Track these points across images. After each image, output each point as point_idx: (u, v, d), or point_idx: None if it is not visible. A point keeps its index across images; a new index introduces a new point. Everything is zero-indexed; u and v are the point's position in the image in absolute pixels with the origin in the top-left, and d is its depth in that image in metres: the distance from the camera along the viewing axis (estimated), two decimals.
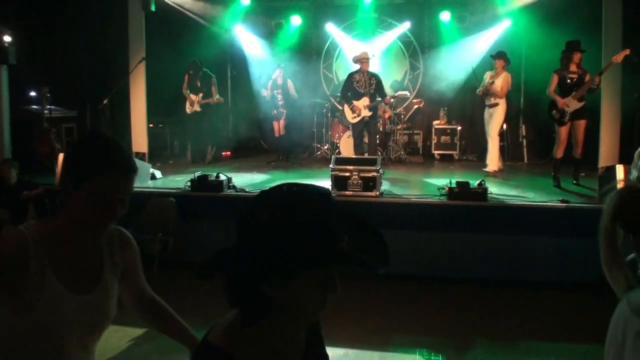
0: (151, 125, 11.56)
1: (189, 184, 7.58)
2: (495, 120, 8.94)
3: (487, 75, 9.03)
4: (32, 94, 10.49)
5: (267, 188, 1.34)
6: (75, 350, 1.76)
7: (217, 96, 10.35)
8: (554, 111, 7.86)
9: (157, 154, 11.32)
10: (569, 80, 7.83)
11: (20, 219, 7.28)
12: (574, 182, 8.02)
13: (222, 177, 7.51)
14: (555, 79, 7.94)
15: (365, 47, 9.76)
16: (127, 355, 4.69)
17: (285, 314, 1.31)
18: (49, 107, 10.06)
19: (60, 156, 8.16)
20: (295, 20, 12.00)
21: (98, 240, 1.85)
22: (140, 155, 10.26)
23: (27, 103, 10.43)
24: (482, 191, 6.66)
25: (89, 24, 11.11)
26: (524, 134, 11.14)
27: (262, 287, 1.26)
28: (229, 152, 12.18)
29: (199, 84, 10.37)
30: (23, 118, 9.88)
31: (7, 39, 8.87)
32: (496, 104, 8.91)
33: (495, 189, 7.30)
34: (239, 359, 1.29)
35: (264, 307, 1.28)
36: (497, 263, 6.34)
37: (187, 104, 10.43)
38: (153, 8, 10.14)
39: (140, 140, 10.42)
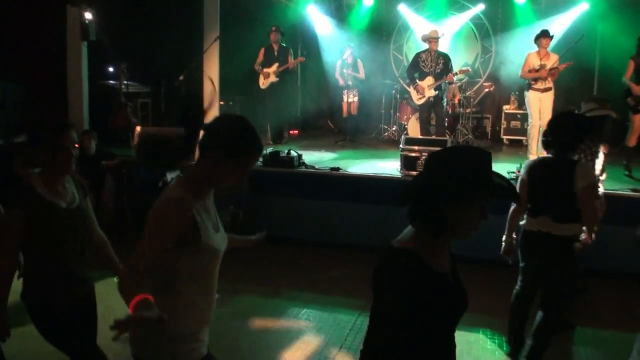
0: (222, 102, 11.85)
1: (261, 159, 7.77)
2: (549, 105, 8.43)
3: (534, 56, 8.53)
4: (110, 69, 10.87)
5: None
6: (216, 275, 2.45)
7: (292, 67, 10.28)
8: (629, 98, 7.64)
9: None
10: None
11: (99, 187, 7.67)
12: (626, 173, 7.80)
13: (294, 153, 7.66)
14: (631, 66, 7.69)
15: (437, 28, 9.64)
16: None
17: (452, 231, 1.90)
18: (125, 82, 10.41)
19: (137, 129, 8.48)
20: (367, 0, 11.99)
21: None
22: None
23: (106, 78, 10.82)
24: None
25: (166, 2, 11.43)
26: None
27: (442, 210, 1.86)
28: (297, 131, 12.34)
29: (276, 53, 10.28)
30: (101, 92, 10.25)
31: (88, 16, 9.19)
32: (550, 88, 8.46)
33: None
34: (421, 255, 1.88)
35: (442, 224, 1.87)
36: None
37: (261, 79, 10.38)
38: None
39: (212, 118, 10.67)
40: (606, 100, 5.44)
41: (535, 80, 8.48)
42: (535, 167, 4.20)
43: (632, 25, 8.75)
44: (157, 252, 2.16)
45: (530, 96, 8.58)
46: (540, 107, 8.51)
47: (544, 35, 8.49)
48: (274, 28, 10.28)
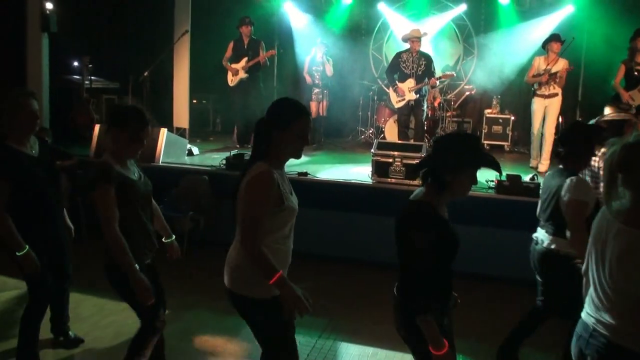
0: (194, 101, 11.41)
1: (224, 162, 7.32)
2: (554, 112, 8.18)
3: (541, 60, 8.21)
4: (75, 63, 10.37)
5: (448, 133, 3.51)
6: (293, 228, 3.03)
7: (263, 62, 9.66)
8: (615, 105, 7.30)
9: (199, 130, 11.13)
10: (636, 73, 7.24)
11: None
12: None
13: None
14: (622, 70, 7.38)
15: (419, 27, 9.22)
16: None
17: (451, 190, 2.71)
18: (90, 77, 9.94)
19: (97, 127, 8.00)
20: None
21: None
22: (181, 131, 10.09)
23: (69, 73, 10.32)
24: (534, 187, 6.17)
25: None
26: None
27: (444, 176, 2.69)
28: None
29: (245, 46, 9.62)
30: (64, 88, 9.76)
31: (48, 6, 8.68)
32: (556, 94, 8.14)
33: None
34: (433, 206, 2.72)
35: (444, 185, 2.70)
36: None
37: (229, 75, 9.74)
38: None
39: (181, 115, 10.25)
40: (627, 105, 5.14)
41: (540, 85, 8.15)
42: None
43: (619, 29, 8.45)
44: (262, 218, 2.74)
45: (535, 102, 8.29)
46: (544, 113, 8.23)
47: (555, 39, 8.11)
48: (245, 19, 9.63)
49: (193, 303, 5.42)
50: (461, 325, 4.87)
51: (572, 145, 3.82)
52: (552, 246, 3.86)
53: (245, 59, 9.55)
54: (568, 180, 3.68)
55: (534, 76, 8.22)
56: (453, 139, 2.87)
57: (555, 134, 8.86)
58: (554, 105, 8.16)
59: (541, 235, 3.99)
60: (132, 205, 3.42)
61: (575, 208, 3.62)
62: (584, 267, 2.56)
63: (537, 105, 8.27)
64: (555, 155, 4.03)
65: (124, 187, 3.35)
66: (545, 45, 8.21)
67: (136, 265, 3.30)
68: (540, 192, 4.12)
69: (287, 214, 2.89)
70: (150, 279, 3.41)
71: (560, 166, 3.91)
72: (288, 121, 2.81)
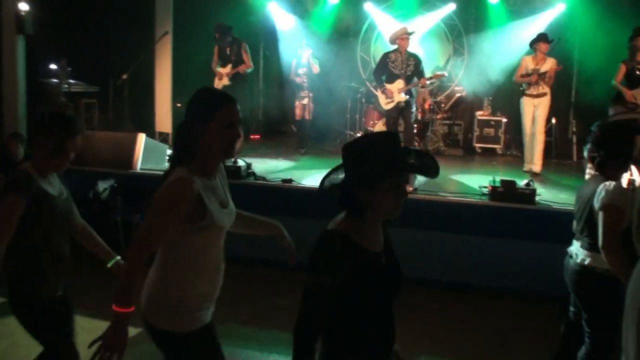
0: (179, 105, 11.07)
1: None
2: (543, 112, 8.04)
3: (529, 60, 8.08)
4: (53, 66, 10.02)
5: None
6: (221, 248, 2.63)
7: (248, 65, 9.18)
8: (617, 105, 7.12)
9: None
10: (638, 72, 7.06)
11: None
12: None
13: (241, 162, 6.91)
14: (622, 70, 7.25)
15: (408, 26, 8.93)
16: None
17: (373, 212, 2.10)
18: (70, 81, 9.60)
19: None
20: None
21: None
22: (164, 136, 9.78)
23: (46, 76, 9.97)
24: (529, 192, 5.89)
25: None
26: (574, 129, 10.25)
27: (358, 194, 2.08)
28: (258, 136, 11.58)
29: (228, 52, 9.21)
30: (41, 91, 9.42)
31: (23, 7, 8.34)
32: (544, 94, 7.99)
33: (543, 191, 6.53)
34: (351, 237, 2.09)
35: (360, 207, 2.08)
36: (542, 275, 5.58)
37: (216, 80, 9.33)
38: None
39: (164, 120, 9.96)
40: (634, 104, 4.88)
41: (529, 85, 8.01)
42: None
43: (612, 27, 8.26)
44: (160, 231, 2.34)
45: (524, 103, 8.15)
46: (534, 113, 8.07)
47: (542, 39, 7.99)
48: (215, 33, 9.16)
49: None
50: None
51: (611, 148, 3.37)
52: (587, 262, 3.41)
53: (230, 65, 9.19)
54: (602, 185, 3.27)
55: (522, 76, 8.10)
56: (361, 144, 2.18)
57: (549, 135, 8.63)
58: (543, 105, 8.04)
59: (575, 248, 3.53)
60: (45, 225, 3.04)
61: (609, 215, 3.17)
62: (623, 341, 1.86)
63: (527, 106, 8.15)
64: (590, 162, 3.61)
65: (38, 202, 2.95)
66: (533, 44, 8.11)
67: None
68: (574, 201, 3.69)
69: (210, 234, 2.49)
70: (61, 312, 3.13)
71: (596, 173, 3.48)
72: (211, 111, 2.40)
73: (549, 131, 8.72)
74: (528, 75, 7.98)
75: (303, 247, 6.26)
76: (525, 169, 8.28)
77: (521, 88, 8.22)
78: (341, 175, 2.14)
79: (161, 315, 2.50)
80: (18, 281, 3.04)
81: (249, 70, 9.29)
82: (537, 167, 8.14)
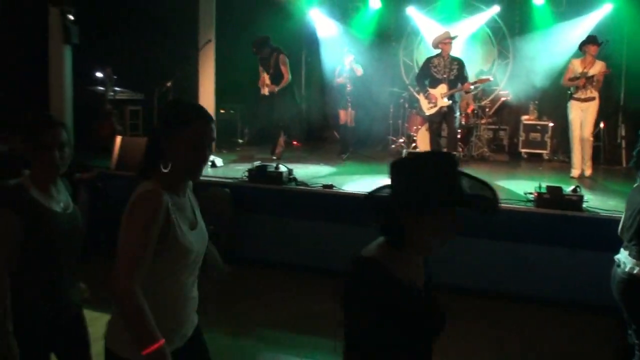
0: (222, 110, 11.21)
1: (246, 174, 7.03)
2: (591, 116, 7.90)
3: (577, 63, 7.93)
4: (99, 75, 10.25)
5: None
6: (193, 271, 2.32)
7: (286, 79, 9.07)
8: None
9: (227, 141, 10.91)
10: None
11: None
12: None
13: (283, 168, 6.92)
14: None
15: (450, 30, 8.82)
16: None
17: (415, 244, 1.83)
18: (115, 89, 9.80)
19: (118, 139, 7.82)
20: (374, 3, 11.21)
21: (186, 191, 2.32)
22: None
23: (93, 84, 10.20)
24: (576, 199, 5.71)
25: (158, 3, 10.81)
26: (623, 134, 9.94)
27: (401, 221, 1.80)
28: (300, 142, 11.61)
29: (267, 64, 9.20)
30: (87, 99, 9.63)
31: (70, 17, 8.56)
32: (593, 98, 7.83)
33: (590, 197, 6.33)
34: (384, 266, 1.82)
35: (401, 236, 1.82)
36: (590, 284, 5.40)
37: (263, 86, 9.37)
38: None
39: None
40: None
41: (577, 89, 7.87)
42: None
43: None
44: (144, 247, 2.08)
45: (571, 107, 8.00)
46: (582, 118, 7.91)
47: (591, 41, 7.86)
48: (253, 45, 9.16)
49: (201, 325, 5.11)
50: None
51: None
52: (635, 271, 3.30)
53: (268, 76, 9.20)
54: None
55: (570, 79, 7.95)
56: (415, 163, 1.89)
57: (597, 140, 8.39)
58: (592, 109, 7.89)
59: (623, 257, 3.42)
60: (43, 245, 2.59)
61: None
62: None
63: (574, 110, 7.99)
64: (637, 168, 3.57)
65: (34, 218, 2.53)
66: (582, 47, 7.97)
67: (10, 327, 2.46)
68: (625, 207, 3.58)
69: (175, 255, 2.20)
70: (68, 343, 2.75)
71: None
72: (177, 126, 2.16)
73: (597, 136, 8.49)
74: (576, 78, 7.81)
75: (343, 252, 6.26)
76: (572, 174, 8.06)
77: (569, 92, 8.04)
78: (386, 195, 1.86)
79: (122, 342, 2.17)
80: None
81: (287, 83, 9.21)
82: (588, 170, 8.04)
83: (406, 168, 1.86)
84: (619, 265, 3.43)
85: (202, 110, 2.25)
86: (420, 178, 1.76)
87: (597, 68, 7.74)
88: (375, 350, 1.81)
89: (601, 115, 8.40)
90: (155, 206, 2.11)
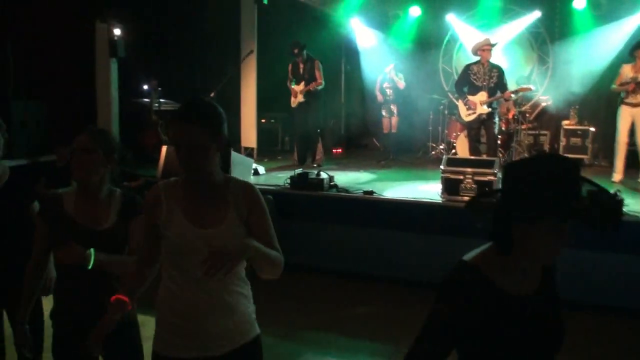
0: (263, 120, 11.45)
1: (288, 181, 7.21)
2: None
3: (628, 69, 7.84)
4: (145, 87, 10.59)
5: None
6: (197, 271, 2.09)
7: (319, 82, 9.31)
8: None
9: (267, 150, 11.13)
10: None
11: None
12: None
13: (323, 175, 7.07)
14: None
15: (490, 37, 8.84)
16: None
17: (525, 252, 1.71)
18: (160, 100, 10.10)
19: (164, 148, 8.08)
20: (414, 11, 11.31)
21: (221, 189, 2.30)
22: (249, 151, 10.12)
23: (138, 96, 10.54)
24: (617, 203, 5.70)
25: (200, 17, 11.10)
26: None
27: (512, 227, 1.69)
28: (340, 149, 11.76)
29: (301, 70, 9.47)
30: (133, 110, 9.97)
31: (116, 32, 8.90)
32: None
33: (631, 201, 6.31)
34: (485, 273, 1.74)
35: (509, 242, 1.71)
36: (629, 288, 5.40)
37: (292, 97, 9.68)
38: (265, 1, 9.95)
39: (249, 135, 10.29)
40: None
41: (627, 94, 7.82)
42: None
43: None
44: (144, 237, 2.39)
45: (621, 111, 7.95)
46: (633, 123, 7.87)
47: None
48: (293, 49, 9.39)
49: None
50: None
51: None
52: None
53: (303, 83, 9.44)
54: None
55: (620, 84, 7.89)
56: (531, 167, 1.73)
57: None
58: None
59: None
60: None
61: None
62: None
63: (624, 115, 7.91)
64: None
65: (61, 229, 2.73)
66: (632, 52, 7.91)
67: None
68: None
69: (170, 246, 2.27)
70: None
71: None
72: (170, 124, 2.29)
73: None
74: (626, 83, 7.77)
75: (385, 257, 6.39)
76: (613, 179, 8.01)
77: (620, 96, 7.98)
78: (496, 199, 1.79)
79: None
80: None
81: (320, 87, 9.45)
82: None
83: (518, 171, 1.73)
84: None
85: (179, 110, 2.22)
86: (535, 184, 1.63)
87: None
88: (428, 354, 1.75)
89: None
90: (145, 200, 2.36)
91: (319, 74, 9.35)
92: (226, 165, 2.44)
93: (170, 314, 2.27)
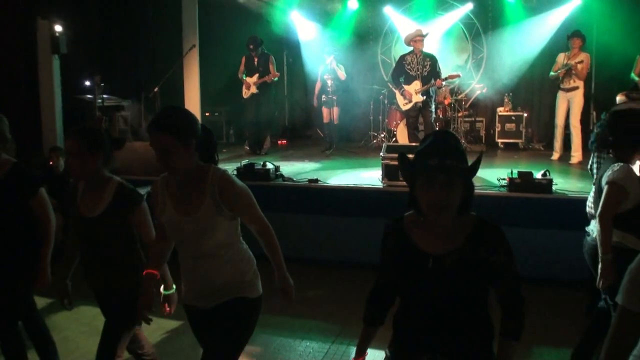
0: (207, 114, 11.51)
1: (235, 172, 7.35)
2: (577, 105, 8.55)
3: (562, 57, 8.55)
4: (87, 83, 10.50)
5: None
6: (191, 248, 2.77)
7: (273, 75, 9.73)
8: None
9: None
10: None
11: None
12: None
13: (269, 165, 7.24)
14: None
15: (423, 28, 9.16)
16: (160, 348, 4.47)
17: (421, 208, 2.05)
18: (103, 96, 10.04)
19: None
20: (352, 4, 11.57)
21: (200, 179, 2.69)
22: None
23: (82, 92, 10.46)
24: (546, 182, 6.09)
25: (141, 12, 11.07)
26: (594, 121, 10.38)
27: (413, 191, 2.07)
28: (285, 141, 11.95)
29: (256, 63, 9.76)
30: (76, 107, 9.88)
31: (58, 28, 8.83)
32: (576, 87, 8.49)
33: (560, 180, 6.72)
34: (405, 227, 2.18)
35: (412, 201, 2.10)
36: (561, 261, 5.79)
37: (244, 89, 9.89)
38: None
39: None
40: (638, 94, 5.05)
41: (562, 80, 8.56)
42: None
43: (629, 20, 8.36)
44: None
45: (559, 96, 8.76)
46: (568, 106, 8.64)
47: (574, 35, 8.56)
48: (249, 45, 9.75)
49: None
50: None
51: (622, 132, 3.52)
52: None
53: (257, 75, 9.70)
54: (611, 166, 3.47)
55: (554, 71, 8.67)
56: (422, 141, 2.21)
57: (585, 127, 8.89)
58: (577, 98, 8.55)
59: (592, 227, 3.72)
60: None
61: (611, 190, 3.39)
62: None
63: (560, 99, 8.73)
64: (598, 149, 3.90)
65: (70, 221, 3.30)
66: (567, 40, 8.67)
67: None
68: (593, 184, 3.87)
69: (166, 227, 2.85)
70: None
71: (611, 156, 3.63)
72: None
73: (584, 124, 8.94)
74: (560, 70, 8.49)
75: (330, 242, 6.61)
76: (553, 157, 8.81)
77: (557, 82, 8.70)
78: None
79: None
80: None
81: (275, 79, 9.78)
82: (576, 158, 8.61)
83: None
84: (588, 235, 3.77)
85: (152, 120, 2.64)
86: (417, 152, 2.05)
87: (578, 59, 8.35)
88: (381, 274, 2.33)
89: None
90: (151, 191, 2.86)
91: (272, 68, 9.70)
92: (211, 158, 2.83)
93: (184, 276, 2.88)
